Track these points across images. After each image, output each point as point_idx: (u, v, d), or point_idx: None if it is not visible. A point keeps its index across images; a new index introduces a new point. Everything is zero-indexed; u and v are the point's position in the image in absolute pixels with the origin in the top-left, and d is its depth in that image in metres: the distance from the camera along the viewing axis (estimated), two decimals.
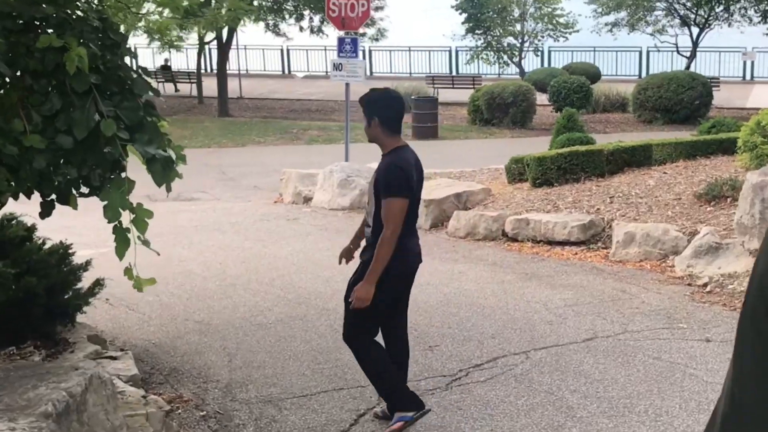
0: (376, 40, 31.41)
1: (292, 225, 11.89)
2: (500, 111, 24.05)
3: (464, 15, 32.66)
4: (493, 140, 22.34)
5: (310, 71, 38.82)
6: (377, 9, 30.16)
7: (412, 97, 24.05)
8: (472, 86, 28.76)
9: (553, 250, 9.79)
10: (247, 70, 39.22)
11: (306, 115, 28.76)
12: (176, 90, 35.03)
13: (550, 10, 33.13)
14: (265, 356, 6.72)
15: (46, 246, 6.79)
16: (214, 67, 34.91)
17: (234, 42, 33.40)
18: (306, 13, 31.67)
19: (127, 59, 4.71)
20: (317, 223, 11.98)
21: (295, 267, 9.44)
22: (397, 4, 34.33)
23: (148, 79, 4.77)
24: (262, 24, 31.64)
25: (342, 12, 13.76)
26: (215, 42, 30.18)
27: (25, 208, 6.08)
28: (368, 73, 38.00)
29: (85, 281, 6.78)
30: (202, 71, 33.77)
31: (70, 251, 7.02)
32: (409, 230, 5.04)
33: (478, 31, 32.75)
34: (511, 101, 23.83)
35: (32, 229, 6.97)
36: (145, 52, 40.96)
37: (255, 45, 38.89)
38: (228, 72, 34.15)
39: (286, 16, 31.87)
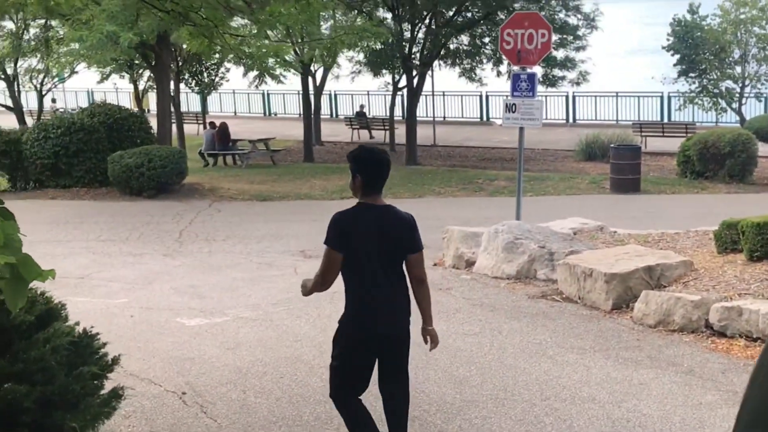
0: (578, 83, 28.92)
1: (442, 297, 9.82)
2: (714, 162, 21.02)
3: (677, 56, 29.61)
4: (704, 196, 19.40)
5: None
6: (578, 50, 27.73)
7: (612, 145, 21.48)
8: (684, 134, 25.76)
9: None
10: (444, 117, 37.68)
11: (498, 164, 26.69)
12: (371, 137, 34.05)
13: None
14: None
15: (63, 335, 5.05)
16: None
17: (430, 88, 31.90)
18: (506, 59, 29.67)
19: None
20: (472, 296, 9.85)
21: (426, 359, 7.36)
22: (601, 45, 31.70)
23: None
24: (457, 69, 29.93)
25: (518, 44, 11.68)
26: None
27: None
28: (571, 119, 35.51)
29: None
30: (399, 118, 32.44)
31: (96, 341, 5.27)
32: (363, 290, 5.03)
33: (693, 74, 29.58)
34: (727, 151, 20.77)
35: (55, 310, 5.32)
36: (345, 99, 40.46)
37: (453, 91, 37.35)
38: (423, 118, 32.72)
39: (484, 60, 30.05)
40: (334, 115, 40.35)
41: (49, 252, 13.94)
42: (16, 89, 26.20)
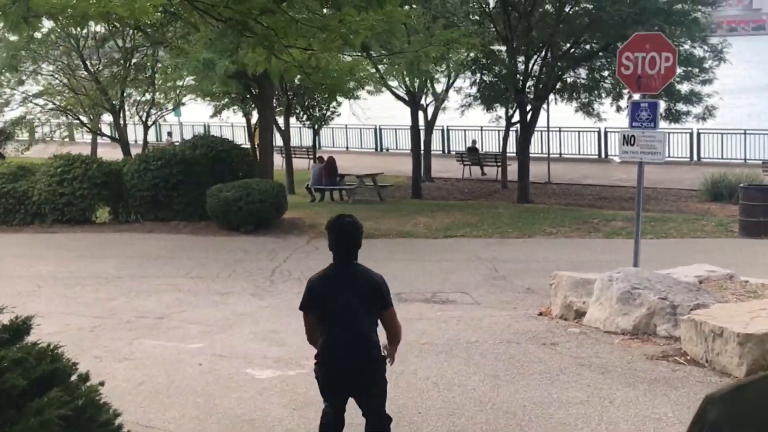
0: (704, 119, 27.15)
1: (545, 354, 8.63)
2: None
3: None
4: None
5: None
6: (704, 83, 25.99)
7: (741, 185, 19.78)
8: None
9: None
10: (559, 154, 36.24)
11: (616, 203, 25.16)
12: (482, 173, 32.99)
13: None
14: None
15: (57, 406, 4.14)
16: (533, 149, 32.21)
17: (545, 123, 30.63)
18: (626, 91, 28.20)
19: None
20: (580, 354, 8.61)
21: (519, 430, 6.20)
22: (729, 79, 29.82)
23: None
24: (574, 103, 28.58)
25: (638, 68, 10.44)
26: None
27: None
28: (695, 157, 33.56)
29: None
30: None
31: (104, 411, 4.36)
32: (329, 337, 5.64)
33: None
34: None
35: (62, 371, 4.46)
36: (457, 135, 39.52)
37: (569, 127, 35.93)
38: (537, 155, 31.44)
39: (602, 95, 28.61)
40: (445, 151, 39.42)
41: (134, 288, 13.37)
42: (122, 120, 26.15)
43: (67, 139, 29.80)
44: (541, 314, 10.85)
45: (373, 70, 20.90)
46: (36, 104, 26.88)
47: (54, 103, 27.00)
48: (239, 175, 20.23)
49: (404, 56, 6.06)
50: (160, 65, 20.01)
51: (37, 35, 23.01)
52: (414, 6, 17.65)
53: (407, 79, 25.74)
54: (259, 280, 13.89)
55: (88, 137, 31.99)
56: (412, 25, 15.32)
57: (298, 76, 29.71)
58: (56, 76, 26.10)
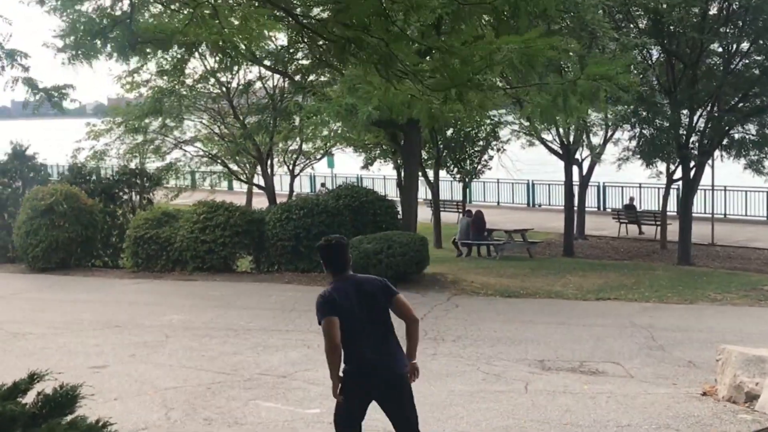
0: None
1: None
2: None
3: None
4: None
5: None
6: None
7: None
8: None
9: None
10: (724, 214, 34.03)
11: None
12: (640, 232, 31.36)
13: None
14: None
15: None
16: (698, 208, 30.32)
17: (709, 180, 28.75)
18: None
19: None
20: None
21: None
22: None
23: None
24: (742, 160, 26.63)
25: None
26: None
27: None
28: None
29: None
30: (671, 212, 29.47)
31: None
32: (353, 341, 6.14)
33: None
34: None
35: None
36: (614, 191, 37.89)
37: (736, 186, 33.76)
38: (700, 215, 29.56)
39: None
40: (600, 208, 37.83)
41: (261, 342, 12.76)
42: (269, 169, 26.04)
43: (216, 187, 30.09)
44: (705, 394, 9.49)
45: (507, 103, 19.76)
46: (186, 151, 27.18)
47: (204, 150, 27.26)
48: (382, 227, 19.54)
49: (547, 90, 5.28)
50: (302, 110, 19.64)
51: (188, 81, 23.31)
52: (561, 35, 16.55)
53: (560, 128, 24.65)
54: None
55: (244, 186, 32.17)
56: (557, 59, 14.34)
57: (450, 129, 29.54)
58: (204, 121, 26.35)
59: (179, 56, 20.78)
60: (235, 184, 35.89)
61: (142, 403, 9.52)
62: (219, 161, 27.27)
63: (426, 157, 30.27)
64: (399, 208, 20.89)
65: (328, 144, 26.61)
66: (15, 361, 11.75)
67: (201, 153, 27.26)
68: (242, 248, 20.34)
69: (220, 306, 16.06)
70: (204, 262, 19.77)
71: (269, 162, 25.68)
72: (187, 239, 19.85)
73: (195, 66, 23.39)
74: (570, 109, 5.45)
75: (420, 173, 28.93)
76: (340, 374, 6.25)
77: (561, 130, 26.17)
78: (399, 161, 30.04)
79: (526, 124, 26.78)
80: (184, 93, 23.53)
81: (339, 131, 21.68)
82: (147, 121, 23.84)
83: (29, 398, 4.79)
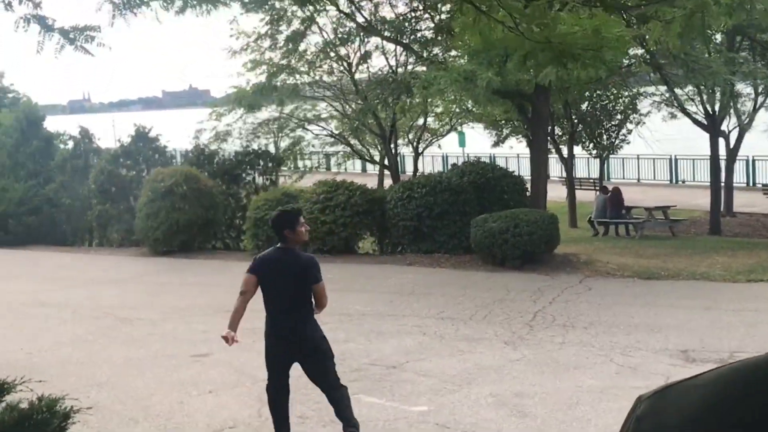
0: None
1: None
2: None
3: None
4: None
5: None
6: None
7: None
8: None
9: None
10: None
11: None
12: None
13: None
14: None
15: None
16: None
17: None
18: None
19: None
20: None
21: None
22: None
23: None
24: None
25: None
26: None
27: None
28: None
29: None
30: None
31: None
32: (273, 309, 7.01)
33: None
34: None
35: None
36: (764, 165, 35.30)
37: None
38: None
39: None
40: (750, 183, 35.33)
41: (375, 328, 11.87)
42: (393, 147, 25.08)
43: (348, 170, 29.40)
44: None
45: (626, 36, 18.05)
46: (309, 130, 26.58)
47: (327, 129, 26.59)
48: (510, 204, 18.34)
49: (681, 5, 4.20)
50: (417, 80, 18.54)
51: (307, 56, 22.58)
52: None
53: (703, 93, 22.78)
54: (517, 325, 11.88)
55: (375, 168, 31.37)
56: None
57: (585, 103, 27.94)
58: (326, 98, 25.59)
59: (294, 30, 20.10)
60: (368, 166, 35.15)
61: (237, 396, 8.77)
62: (342, 141, 26.55)
63: (560, 133, 28.78)
64: (528, 185, 19.64)
65: (452, 119, 25.45)
66: (116, 349, 11.28)
67: (325, 132, 26.59)
68: (364, 229, 19.51)
69: (335, 289, 15.09)
70: (324, 244, 19.03)
71: (392, 139, 24.72)
72: (307, 220, 19.13)
73: (316, 41, 22.66)
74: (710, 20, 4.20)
75: (553, 149, 27.51)
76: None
77: (705, 96, 24.27)
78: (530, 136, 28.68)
79: (666, 93, 24.94)
80: (303, 69, 22.83)
81: (458, 101, 20.49)
82: (264, 100, 23.27)
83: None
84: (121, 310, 13.94)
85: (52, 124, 29.24)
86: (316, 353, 6.95)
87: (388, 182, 29.71)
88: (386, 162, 25.33)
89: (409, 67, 22.44)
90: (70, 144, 26.85)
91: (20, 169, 27.09)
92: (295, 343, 6.94)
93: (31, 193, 25.18)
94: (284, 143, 26.05)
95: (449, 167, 41.21)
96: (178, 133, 28.36)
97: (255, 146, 24.53)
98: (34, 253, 23.18)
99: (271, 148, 25.13)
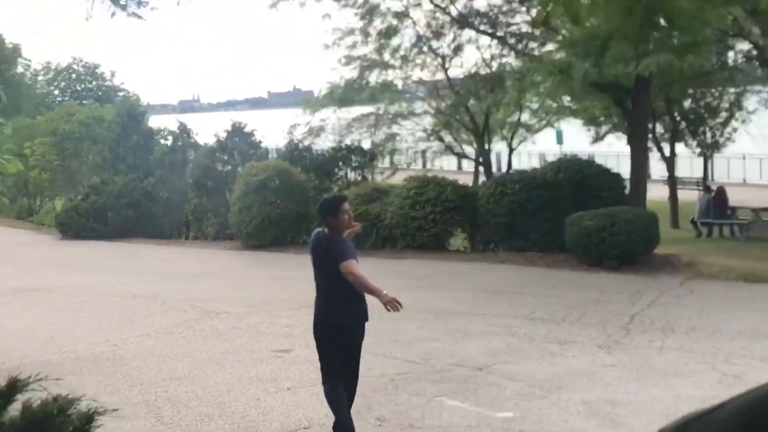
0: None
1: None
2: None
3: None
4: None
5: None
6: None
7: None
8: None
9: None
10: None
11: None
12: None
13: None
14: None
15: None
16: None
17: None
18: None
19: None
20: None
21: None
22: None
23: None
24: None
25: None
26: None
27: None
28: None
29: None
30: None
31: None
32: (318, 289, 7.12)
33: None
34: None
35: None
36: None
37: None
38: None
39: None
40: None
41: (461, 328, 11.47)
42: (485, 143, 24.56)
43: (438, 165, 29.00)
44: None
45: None
46: (402, 125, 26.28)
47: (420, 125, 26.24)
48: (607, 202, 17.68)
49: None
50: (511, 73, 18.04)
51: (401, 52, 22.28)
52: None
53: None
54: (613, 328, 11.32)
55: (471, 165, 30.90)
56: None
57: (688, 100, 26.92)
58: (420, 94, 25.26)
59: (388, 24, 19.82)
60: (465, 164, 34.64)
61: (315, 395, 8.46)
62: (435, 137, 26.16)
63: (662, 131, 27.78)
64: (627, 183, 18.92)
65: (548, 114, 24.79)
66: (200, 342, 11.15)
67: (418, 127, 26.25)
68: (455, 225, 19.13)
69: (424, 287, 14.91)
70: (414, 240, 18.72)
71: (485, 135, 24.20)
72: (397, 216, 18.89)
73: (409, 35, 22.36)
74: None
75: (655, 147, 26.58)
76: None
77: None
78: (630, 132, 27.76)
79: None
80: (394, 64, 22.55)
81: (553, 93, 19.87)
82: (356, 94, 23.08)
83: None
84: (209, 303, 13.87)
85: (161, 122, 29.87)
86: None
87: (482, 180, 29.23)
88: (480, 159, 24.83)
89: (504, 60, 21.93)
90: (170, 139, 27.24)
91: (120, 163, 27.64)
92: (334, 327, 7.10)
93: (130, 187, 25.56)
94: (378, 139, 25.84)
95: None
96: (280, 131, 28.55)
97: (348, 141, 24.37)
98: (132, 246, 23.51)
99: (366, 144, 24.91)
